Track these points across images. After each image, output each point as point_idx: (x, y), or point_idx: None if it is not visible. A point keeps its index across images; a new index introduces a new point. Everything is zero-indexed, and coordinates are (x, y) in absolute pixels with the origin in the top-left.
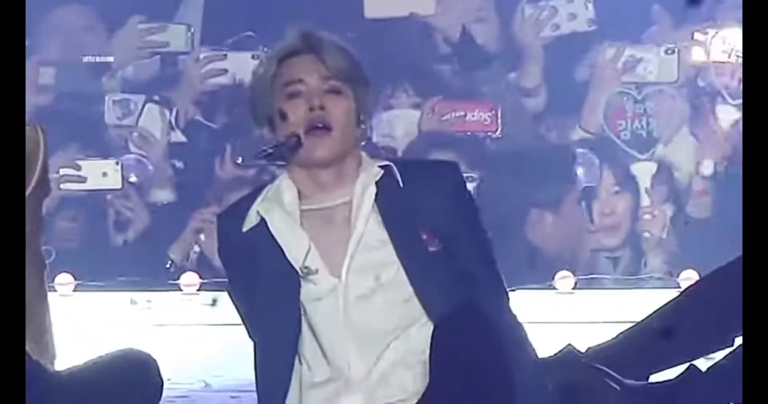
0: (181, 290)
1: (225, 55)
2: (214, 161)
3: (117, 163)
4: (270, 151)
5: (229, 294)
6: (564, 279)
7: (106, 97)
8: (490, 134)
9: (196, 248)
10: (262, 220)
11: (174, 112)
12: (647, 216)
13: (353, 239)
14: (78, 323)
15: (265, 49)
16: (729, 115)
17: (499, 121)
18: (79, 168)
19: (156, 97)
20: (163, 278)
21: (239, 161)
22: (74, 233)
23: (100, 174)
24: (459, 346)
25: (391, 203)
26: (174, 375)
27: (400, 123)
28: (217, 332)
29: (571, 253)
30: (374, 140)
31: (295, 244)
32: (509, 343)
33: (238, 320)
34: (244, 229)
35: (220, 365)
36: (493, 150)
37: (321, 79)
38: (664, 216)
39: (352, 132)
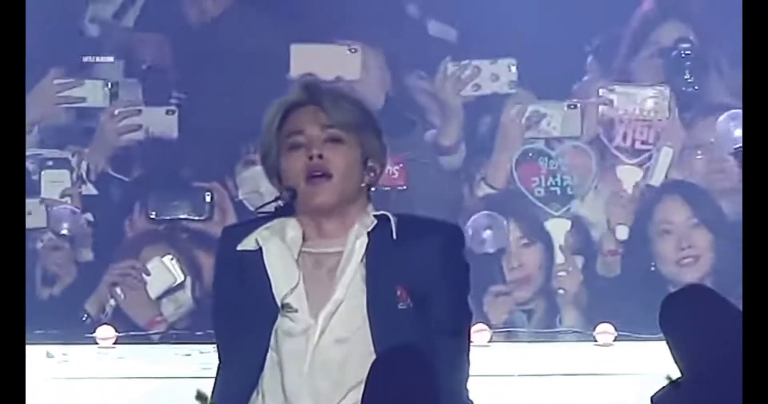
0: (97, 343)
1: (140, 110)
2: (127, 214)
3: (41, 202)
4: (268, 208)
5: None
6: (480, 333)
7: None
8: (398, 187)
9: (112, 302)
10: (260, 248)
11: (85, 166)
12: (562, 273)
13: (337, 289)
14: None
15: (179, 98)
16: (631, 176)
17: (407, 174)
18: None
19: (50, 163)
20: (79, 331)
21: (153, 215)
22: None
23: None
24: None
25: (378, 255)
26: None
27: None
28: (132, 385)
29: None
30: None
31: (284, 278)
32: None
33: (151, 374)
34: (238, 248)
35: None
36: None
37: (321, 128)
38: (578, 272)
39: (355, 179)
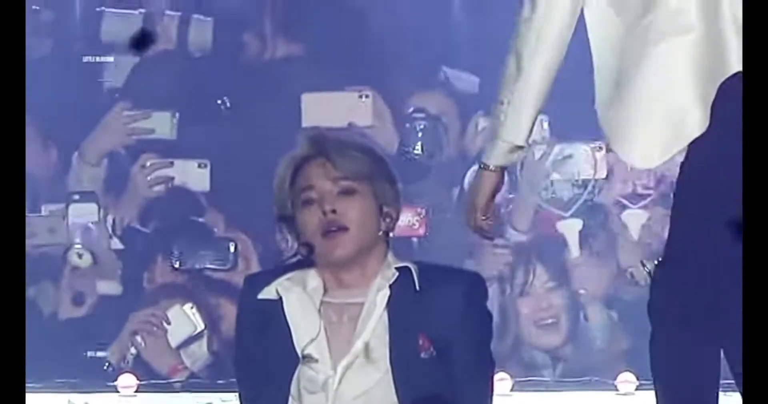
0: (118, 392)
1: (171, 162)
2: (149, 265)
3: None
4: (287, 262)
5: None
6: (502, 381)
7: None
8: (418, 237)
9: (133, 350)
10: (281, 297)
11: (111, 219)
12: (583, 268)
13: (358, 341)
14: None
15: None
16: (637, 220)
17: (428, 224)
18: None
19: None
20: (100, 380)
21: (176, 265)
22: None
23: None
24: None
25: (401, 306)
26: None
27: None
28: None
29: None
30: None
31: (305, 329)
32: None
33: None
34: (260, 297)
35: None
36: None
37: (332, 181)
38: (598, 268)
39: (371, 228)
